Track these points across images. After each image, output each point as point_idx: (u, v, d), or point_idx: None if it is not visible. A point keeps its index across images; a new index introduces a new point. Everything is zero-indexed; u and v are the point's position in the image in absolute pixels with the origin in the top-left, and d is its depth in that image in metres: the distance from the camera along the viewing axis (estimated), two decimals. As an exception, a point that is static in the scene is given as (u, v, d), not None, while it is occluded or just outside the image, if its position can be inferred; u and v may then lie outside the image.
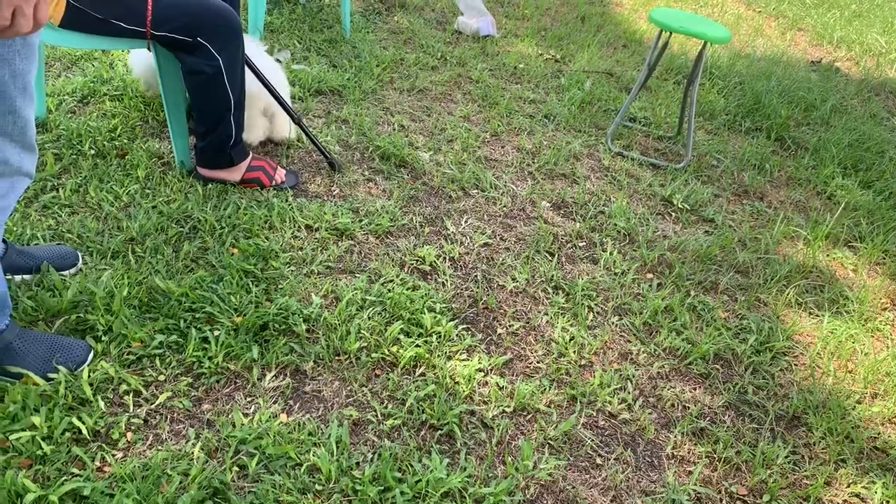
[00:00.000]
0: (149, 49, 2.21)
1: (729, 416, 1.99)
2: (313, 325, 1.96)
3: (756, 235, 2.85)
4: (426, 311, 2.07)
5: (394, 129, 3.06)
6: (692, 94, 3.23)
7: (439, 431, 1.74)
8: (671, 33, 3.14)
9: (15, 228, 2.06)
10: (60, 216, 2.17)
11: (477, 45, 4.18)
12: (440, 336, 2.01)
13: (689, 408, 1.98)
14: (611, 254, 2.54)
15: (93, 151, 2.46)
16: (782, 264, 2.68)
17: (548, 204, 2.78)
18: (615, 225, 2.71)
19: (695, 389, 2.05)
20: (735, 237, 2.81)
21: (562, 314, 2.21)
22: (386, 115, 3.17)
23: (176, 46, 2.19)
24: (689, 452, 1.85)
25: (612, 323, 2.23)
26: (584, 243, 2.59)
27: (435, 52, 3.92)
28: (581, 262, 2.48)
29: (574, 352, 2.07)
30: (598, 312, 2.26)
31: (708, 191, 3.10)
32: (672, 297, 2.38)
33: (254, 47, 2.70)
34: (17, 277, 1.90)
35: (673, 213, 2.91)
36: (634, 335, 2.20)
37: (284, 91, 2.74)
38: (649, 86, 4.11)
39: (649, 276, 2.49)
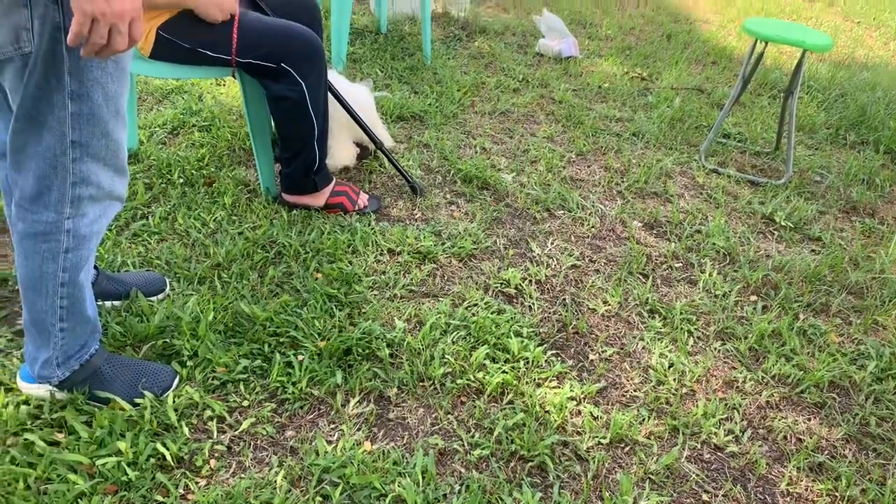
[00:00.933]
0: (234, 76, 2.24)
1: (850, 449, 1.80)
2: (396, 350, 1.89)
3: (869, 254, 2.63)
4: (512, 335, 1.97)
5: (476, 152, 3.01)
6: (791, 107, 3.05)
7: (530, 463, 1.63)
8: (766, 43, 2.98)
9: (106, 255, 2.10)
10: (150, 243, 2.20)
11: (559, 67, 4.10)
12: (528, 362, 1.91)
13: (803, 440, 1.81)
14: (710, 275, 2.39)
15: (181, 180, 2.50)
16: (902, 284, 2.45)
17: (639, 223, 2.66)
18: (713, 244, 2.55)
19: (809, 420, 1.87)
20: (845, 256, 2.60)
21: (659, 339, 2.08)
22: (468, 138, 3.12)
23: (261, 73, 2.20)
24: (806, 490, 1.67)
25: (715, 348, 2.07)
26: (681, 264, 2.45)
27: (516, 75, 3.87)
28: (678, 284, 2.34)
29: (674, 379, 1.93)
30: (698, 337, 2.11)
31: (812, 207, 2.89)
32: (779, 320, 2.21)
33: (340, 78, 2.72)
34: (108, 303, 1.92)
35: (775, 232, 2.72)
36: (740, 361, 2.04)
37: (376, 118, 2.75)
38: (742, 101, 3.92)
39: (753, 298, 2.32)
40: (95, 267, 1.89)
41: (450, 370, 1.85)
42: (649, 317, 2.17)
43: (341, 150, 2.67)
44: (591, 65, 4.22)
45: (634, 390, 1.89)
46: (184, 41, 2.12)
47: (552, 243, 2.47)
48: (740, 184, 3.04)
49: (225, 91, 3.25)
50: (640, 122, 3.47)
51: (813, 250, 2.64)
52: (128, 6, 1.20)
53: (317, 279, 2.11)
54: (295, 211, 2.42)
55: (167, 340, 1.81)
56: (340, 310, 2.01)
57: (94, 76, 1.33)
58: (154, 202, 2.40)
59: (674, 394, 1.88)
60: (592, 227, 2.60)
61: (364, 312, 2.01)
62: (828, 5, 6.84)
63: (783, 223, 2.75)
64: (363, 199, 2.51)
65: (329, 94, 2.41)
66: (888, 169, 3.38)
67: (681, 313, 2.18)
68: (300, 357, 1.81)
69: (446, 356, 1.88)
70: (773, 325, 2.16)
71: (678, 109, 3.63)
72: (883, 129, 3.66)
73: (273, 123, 2.34)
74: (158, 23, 2.09)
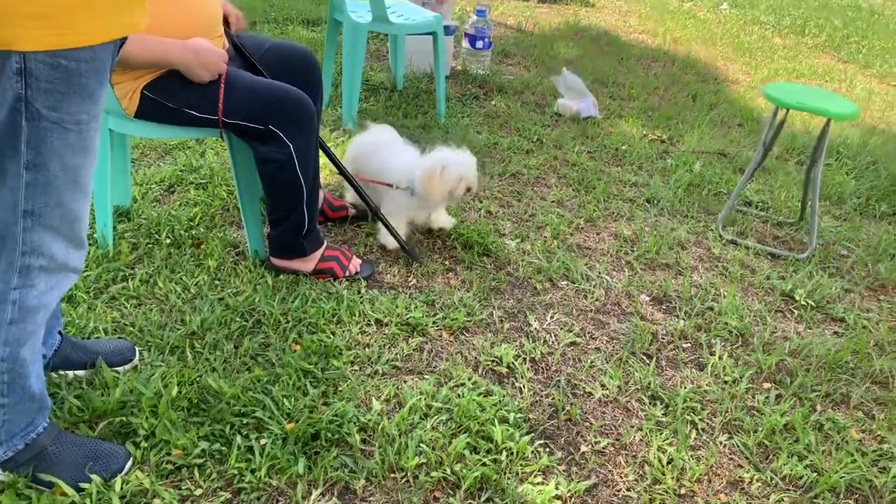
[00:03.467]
0: (221, 137, 2.17)
1: (869, 569, 1.61)
2: (369, 436, 1.76)
3: (898, 338, 2.44)
4: (497, 422, 1.83)
5: (480, 216, 2.90)
6: (815, 176, 2.89)
7: (502, 574, 1.47)
8: (787, 110, 2.84)
9: (78, 321, 2.01)
10: (126, 308, 2.11)
11: (577, 127, 4.00)
12: (512, 453, 1.75)
13: (816, 556, 1.62)
14: (720, 358, 2.22)
15: (169, 241, 2.42)
16: (932, 374, 2.25)
17: (647, 298, 2.50)
18: (725, 324, 2.38)
19: (824, 532, 1.68)
20: (871, 340, 2.41)
21: (658, 430, 1.91)
22: (473, 201, 3.01)
23: (248, 134, 2.13)
24: None
25: (720, 443, 1.90)
26: (689, 344, 2.29)
27: (531, 136, 3.77)
28: (684, 368, 2.17)
29: (672, 478, 1.76)
30: (702, 429, 1.94)
31: (837, 284, 2.71)
32: (793, 412, 2.02)
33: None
34: (70, 373, 1.82)
35: (795, 311, 2.54)
36: (747, 458, 1.86)
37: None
38: (767, 167, 3.77)
39: (766, 385, 2.14)
40: (60, 332, 1.81)
41: (425, 461, 1.70)
42: (650, 404, 2.00)
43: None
44: (611, 125, 4.11)
45: (627, 489, 1.72)
46: (169, 101, 2.06)
47: (552, 317, 2.33)
48: (759, 256, 2.87)
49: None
50: (656, 187, 3.33)
51: (835, 332, 2.45)
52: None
53: (294, 351, 2.00)
54: (282, 276, 2.32)
55: (125, 418, 1.70)
56: (315, 387, 1.89)
57: (52, 147, 1.27)
58: (138, 263, 2.32)
59: (671, 494, 1.71)
60: (596, 299, 2.45)
61: (340, 391, 1.89)
62: (862, 67, 6.68)
63: (804, 301, 2.57)
64: (355, 264, 2.41)
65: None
66: (921, 243, 3.18)
67: (685, 401, 2.01)
68: (262, 441, 1.68)
69: (422, 444, 1.74)
70: (786, 418, 1.98)
71: (697, 175, 3.49)
72: (916, 199, 3.47)
73: (261, 184, 2.26)
74: (143, 83, 2.04)
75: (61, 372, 1.81)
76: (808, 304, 2.57)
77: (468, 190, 2.49)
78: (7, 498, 1.48)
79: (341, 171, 2.44)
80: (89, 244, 2.34)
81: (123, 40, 1.38)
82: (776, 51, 6.70)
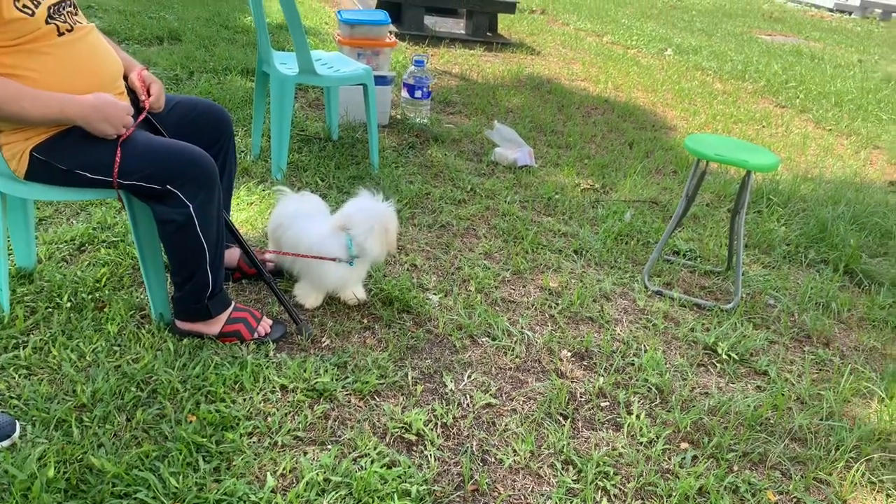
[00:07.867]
0: (119, 199, 2.09)
1: None
2: (260, 516, 1.66)
3: (819, 392, 2.42)
4: (399, 496, 1.74)
5: (404, 270, 2.84)
6: (739, 226, 2.90)
7: None
8: (707, 162, 2.86)
9: (-43, 395, 1.89)
10: (14, 379, 2.00)
11: (512, 176, 3.99)
12: (411, 530, 1.67)
13: None
14: (637, 417, 2.17)
15: (70, 304, 2.32)
16: (850, 430, 2.23)
17: (568, 353, 2.46)
18: (645, 380, 2.34)
19: None
20: (792, 394, 2.38)
21: (569, 499, 1.84)
22: (399, 254, 2.96)
23: (145, 194, 2.06)
24: None
25: (631, 510, 1.84)
26: (607, 403, 2.24)
27: (465, 185, 3.75)
28: (601, 428, 2.12)
29: (579, 550, 1.69)
30: (614, 496, 1.88)
31: (761, 336, 2.70)
32: (709, 474, 1.98)
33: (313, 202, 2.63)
34: (-61, 455, 1.70)
35: (717, 365, 2.51)
36: (658, 526, 1.80)
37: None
38: (698, 214, 3.79)
39: (683, 446, 2.09)
40: (-71, 412, 1.69)
41: (316, 542, 1.61)
42: (563, 469, 1.94)
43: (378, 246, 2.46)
44: (546, 174, 4.11)
45: (531, 565, 1.64)
46: (60, 163, 1.99)
47: (469, 377, 2.26)
48: (685, 308, 2.85)
49: (149, 202, 3.11)
50: (585, 237, 3.31)
51: (758, 386, 2.42)
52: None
53: (190, 423, 1.90)
54: (186, 340, 2.22)
55: (-9, 504, 1.58)
56: (208, 462, 1.79)
57: None
58: (34, 330, 2.21)
59: (577, 570, 1.64)
60: (517, 356, 2.40)
61: (234, 465, 1.79)
62: (799, 111, 6.84)
63: (726, 355, 2.54)
64: (265, 325, 2.32)
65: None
66: (847, 291, 3.20)
67: (598, 465, 1.95)
68: (140, 527, 1.57)
69: (315, 523, 1.64)
70: (701, 481, 1.93)
71: (627, 224, 3.49)
72: (843, 246, 3.50)
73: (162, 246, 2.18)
74: (32, 144, 1.96)
75: (-71, 454, 1.69)
76: (730, 357, 2.54)
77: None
78: None
79: (237, 237, 2.37)
80: (-17, 309, 2.23)
81: None
82: (716, 96, 6.83)
